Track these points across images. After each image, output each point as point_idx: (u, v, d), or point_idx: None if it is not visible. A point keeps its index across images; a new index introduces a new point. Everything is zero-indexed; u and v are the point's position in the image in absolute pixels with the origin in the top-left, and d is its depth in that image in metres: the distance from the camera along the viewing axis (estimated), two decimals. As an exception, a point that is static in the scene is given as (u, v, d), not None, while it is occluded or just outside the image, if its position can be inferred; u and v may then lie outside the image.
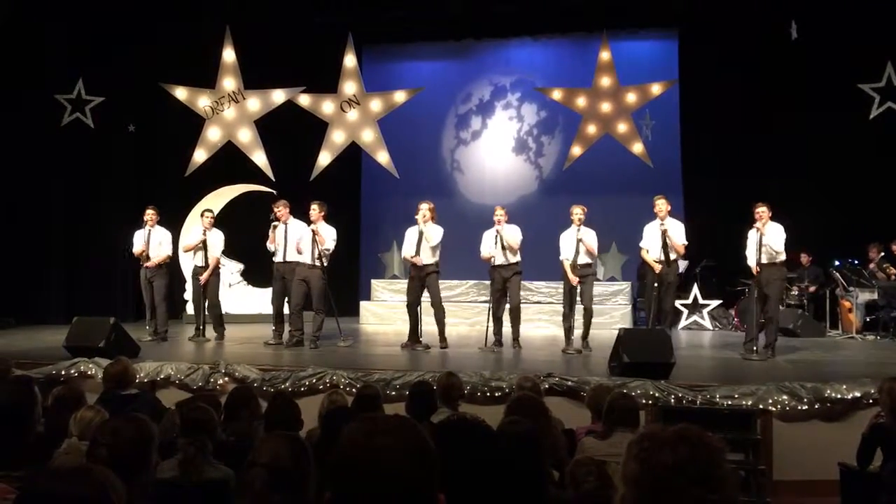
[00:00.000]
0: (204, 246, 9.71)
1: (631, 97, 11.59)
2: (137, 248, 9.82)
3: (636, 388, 6.28)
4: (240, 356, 8.11)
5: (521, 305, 9.16)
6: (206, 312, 9.82)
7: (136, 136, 12.49)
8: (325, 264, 9.09)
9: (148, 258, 9.75)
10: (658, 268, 8.70)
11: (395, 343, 9.53)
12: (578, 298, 8.84)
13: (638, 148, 11.68)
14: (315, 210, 9.14)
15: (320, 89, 12.16)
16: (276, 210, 9.49)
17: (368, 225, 13.87)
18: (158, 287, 9.79)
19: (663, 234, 8.64)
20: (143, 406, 4.84)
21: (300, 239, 9.21)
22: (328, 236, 9.16)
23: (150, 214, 9.84)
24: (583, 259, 8.74)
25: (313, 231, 9.05)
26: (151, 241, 9.79)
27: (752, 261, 8.34)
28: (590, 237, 8.81)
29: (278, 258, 9.45)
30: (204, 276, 9.74)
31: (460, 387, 5.07)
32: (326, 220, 9.25)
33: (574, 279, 8.78)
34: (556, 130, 13.61)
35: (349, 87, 12.02)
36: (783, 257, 8.28)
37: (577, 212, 8.83)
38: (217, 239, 9.90)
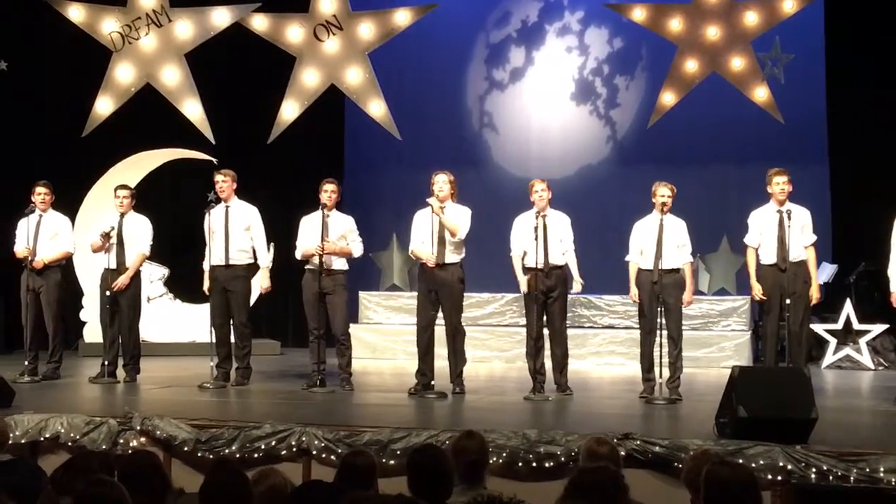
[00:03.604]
0: (119, 239, 9.76)
1: (751, 17, 11.52)
2: (21, 244, 9.87)
3: (758, 457, 6.24)
4: (163, 405, 8.13)
5: (587, 331, 9.15)
6: (119, 339, 9.88)
7: (10, 78, 12.58)
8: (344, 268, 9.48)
9: (34, 257, 9.78)
10: (771, 273, 8.77)
11: (395, 388, 9.52)
12: (662, 321, 8.82)
13: (761, 95, 11.61)
14: (331, 191, 9.35)
15: (284, 7, 12.19)
16: (216, 183, 9.60)
17: (355, 211, 13.81)
18: (48, 300, 9.84)
19: (781, 221, 8.67)
20: (19, 478, 4.86)
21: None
22: (346, 228, 9.43)
23: (40, 194, 9.90)
24: (668, 262, 8.73)
25: (324, 223, 9.23)
26: (42, 233, 9.85)
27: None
28: (677, 229, 8.82)
29: (216, 259, 9.51)
30: (122, 280, 9.73)
31: (482, 451, 5.05)
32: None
33: (636, 294, 8.87)
34: (638, 68, 13.55)
35: (327, 4, 12.04)
36: None
37: (664, 193, 8.81)
38: (141, 228, 9.92)
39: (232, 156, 11.47)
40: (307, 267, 9.39)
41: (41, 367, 9.87)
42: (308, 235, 9.34)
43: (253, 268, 9.69)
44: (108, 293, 9.81)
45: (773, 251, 8.82)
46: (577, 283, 9.21)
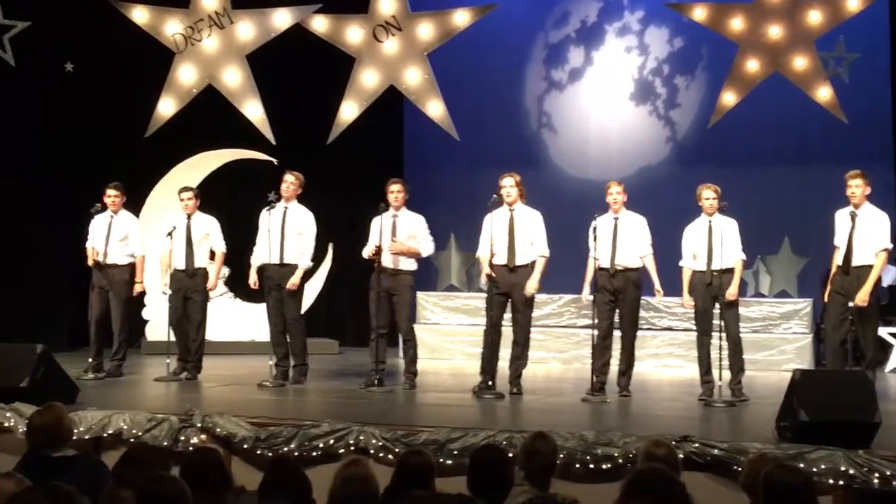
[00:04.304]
0: (187, 241, 9.92)
1: (814, 16, 11.41)
2: (91, 243, 10.10)
3: (820, 462, 6.17)
4: (223, 403, 8.21)
5: (645, 333, 9.12)
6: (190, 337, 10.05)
7: (75, 79, 12.78)
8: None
9: (103, 259, 9.97)
10: (837, 276, 8.69)
11: (453, 388, 9.57)
12: (720, 323, 8.78)
13: (824, 94, 11.48)
14: (397, 191, 9.41)
15: (343, 9, 12.27)
16: (283, 181, 9.70)
17: (413, 210, 13.93)
18: (116, 298, 10.04)
19: (853, 223, 8.59)
20: (83, 474, 4.93)
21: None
22: (415, 227, 9.44)
23: (111, 196, 10.11)
24: (722, 262, 8.69)
25: (392, 222, 9.33)
26: (112, 234, 10.05)
27: None
28: (728, 229, 8.80)
29: (271, 257, 9.62)
30: (212, 281, 10.09)
31: (553, 454, 5.06)
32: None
33: (689, 300, 8.88)
34: (699, 68, 13.45)
35: (386, 6, 12.10)
36: None
37: (708, 196, 8.79)
38: (211, 228, 10.14)
39: (291, 156, 11.56)
40: (376, 265, 9.45)
41: (104, 364, 10.05)
42: (376, 235, 9.42)
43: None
44: (165, 293, 10.03)
45: (842, 254, 8.74)
46: (656, 292, 9.24)
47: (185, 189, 10.25)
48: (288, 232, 9.60)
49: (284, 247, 9.57)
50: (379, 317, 9.38)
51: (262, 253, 9.66)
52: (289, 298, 9.64)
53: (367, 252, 9.42)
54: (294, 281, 9.58)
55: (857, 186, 8.65)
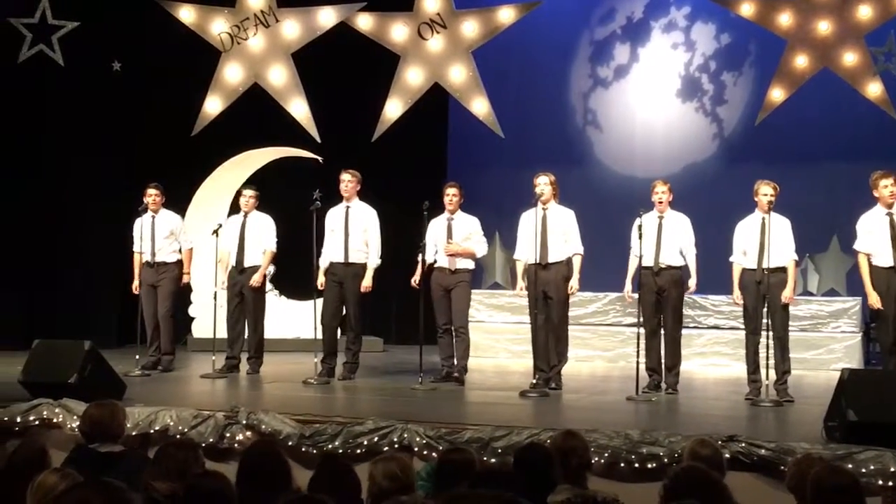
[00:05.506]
0: (240, 239, 10.04)
1: (864, 11, 11.30)
2: (137, 244, 10.29)
3: (869, 462, 6.11)
4: (268, 400, 8.29)
5: (691, 331, 9.09)
6: (245, 335, 10.18)
7: (123, 78, 12.92)
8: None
9: (152, 258, 10.16)
10: (885, 276, 8.49)
11: (497, 386, 9.59)
12: (768, 322, 8.71)
13: (874, 90, 11.38)
14: (452, 195, 9.60)
15: (388, 6, 12.31)
16: (342, 181, 9.75)
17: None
18: (164, 294, 10.21)
19: (892, 223, 8.42)
20: (131, 471, 4.98)
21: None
22: (470, 229, 9.63)
23: (151, 196, 10.25)
24: (773, 261, 8.62)
25: (448, 226, 9.53)
26: (157, 233, 10.21)
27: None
28: (781, 228, 8.71)
29: (335, 255, 9.68)
30: (256, 279, 10.05)
31: (584, 452, 5.06)
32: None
33: (739, 296, 8.80)
34: (746, 64, 13.37)
35: (431, 3, 12.13)
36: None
37: (766, 192, 8.71)
38: (266, 226, 10.23)
39: (336, 154, 11.64)
40: (435, 266, 9.63)
41: (151, 361, 10.20)
42: (432, 237, 9.62)
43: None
44: (221, 289, 10.20)
45: (888, 254, 8.56)
46: (686, 287, 9.21)
47: (247, 186, 10.50)
48: (352, 230, 9.70)
49: (349, 245, 9.67)
50: (440, 315, 9.61)
51: (328, 252, 9.77)
52: (353, 297, 9.73)
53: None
54: (367, 284, 9.72)
55: (893, 185, 8.49)
